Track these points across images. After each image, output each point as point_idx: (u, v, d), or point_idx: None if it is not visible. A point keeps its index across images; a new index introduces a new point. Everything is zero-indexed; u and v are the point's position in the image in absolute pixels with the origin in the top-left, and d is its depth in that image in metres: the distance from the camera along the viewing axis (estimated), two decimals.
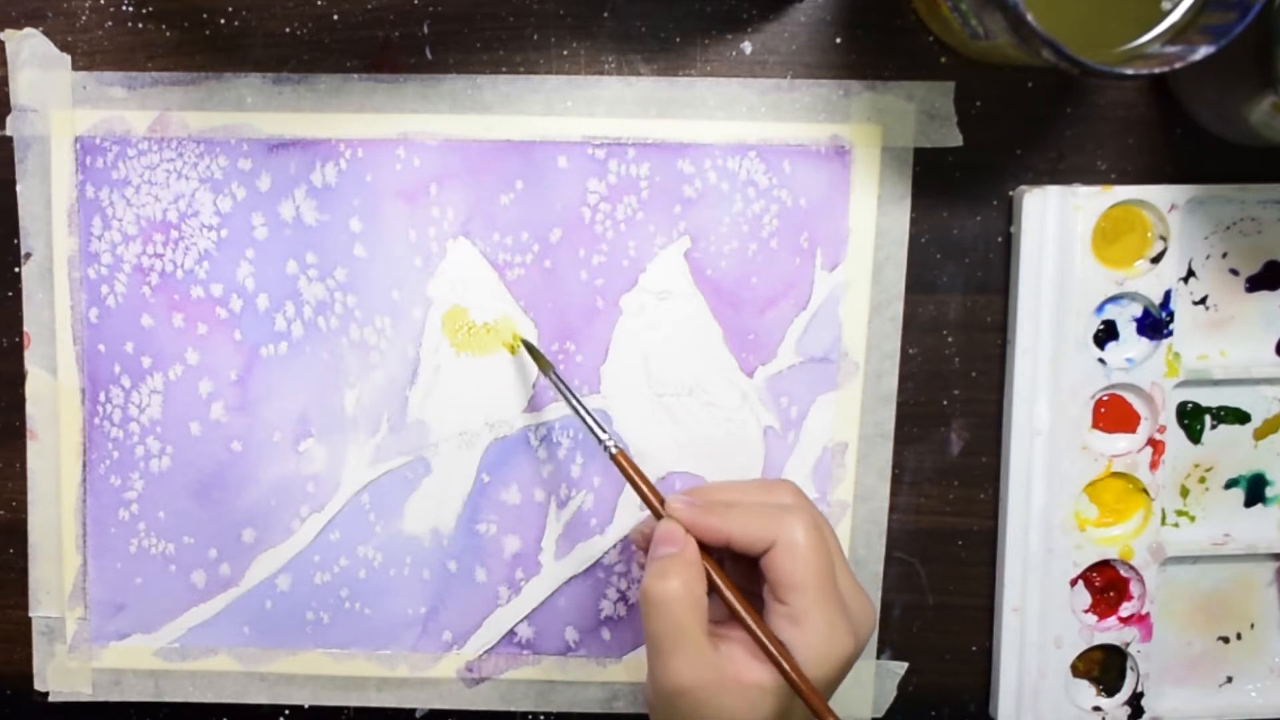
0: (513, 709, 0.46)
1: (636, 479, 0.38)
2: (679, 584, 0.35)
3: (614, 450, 0.38)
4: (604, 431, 0.39)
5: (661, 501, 0.38)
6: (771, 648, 0.34)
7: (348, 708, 0.46)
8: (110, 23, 0.43)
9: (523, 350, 0.44)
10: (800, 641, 0.34)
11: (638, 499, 0.44)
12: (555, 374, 0.41)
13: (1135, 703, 0.45)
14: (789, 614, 0.35)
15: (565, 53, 0.43)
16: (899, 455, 0.45)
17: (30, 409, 0.44)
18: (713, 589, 0.36)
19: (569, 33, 0.43)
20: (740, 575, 0.37)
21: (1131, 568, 0.44)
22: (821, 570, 0.35)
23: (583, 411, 0.39)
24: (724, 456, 0.44)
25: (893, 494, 0.45)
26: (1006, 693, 0.45)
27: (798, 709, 0.35)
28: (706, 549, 0.37)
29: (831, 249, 0.43)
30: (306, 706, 0.46)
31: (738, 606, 0.35)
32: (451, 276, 0.44)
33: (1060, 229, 0.43)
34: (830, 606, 0.35)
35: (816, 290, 0.44)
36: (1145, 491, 0.44)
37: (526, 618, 0.45)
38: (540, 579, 0.45)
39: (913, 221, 0.43)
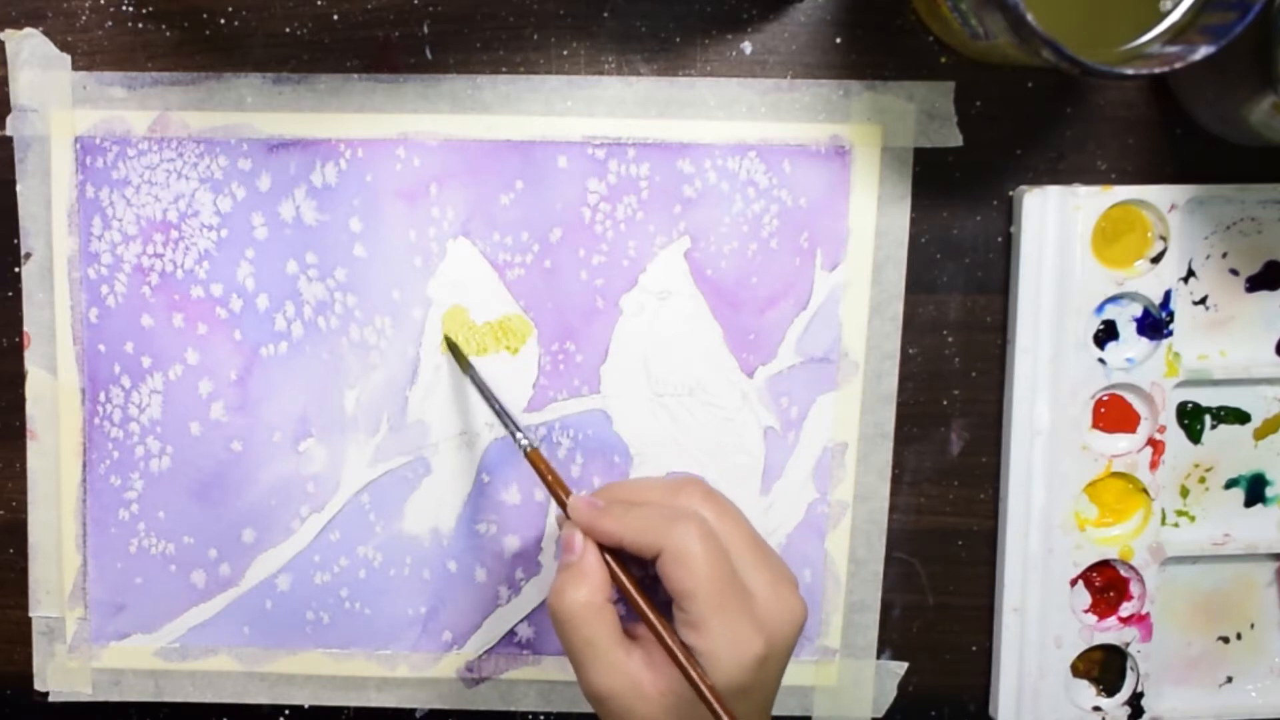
0: (513, 709, 0.46)
1: (548, 478, 0.38)
2: (582, 595, 0.35)
3: (528, 448, 0.39)
4: (518, 430, 0.40)
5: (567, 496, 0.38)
6: (679, 653, 0.34)
7: (348, 708, 0.46)
8: (110, 23, 0.43)
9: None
10: (703, 648, 0.34)
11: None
12: (474, 373, 0.42)
13: (1135, 703, 0.45)
14: (687, 620, 0.34)
15: (565, 53, 0.43)
16: (899, 455, 0.45)
17: (30, 409, 0.44)
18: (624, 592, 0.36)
19: (569, 33, 0.43)
20: None
21: (1131, 568, 0.44)
22: (715, 576, 0.34)
23: (500, 409, 0.40)
24: (724, 456, 0.44)
25: (893, 494, 0.45)
26: (1006, 693, 0.45)
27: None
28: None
29: (831, 249, 0.43)
30: (306, 706, 0.46)
31: (646, 610, 0.35)
32: (451, 276, 0.44)
33: (1060, 229, 0.43)
34: (729, 611, 0.34)
35: (816, 290, 0.44)
36: (1145, 491, 0.44)
37: (526, 618, 0.45)
38: (540, 579, 0.45)
39: (913, 221, 0.43)
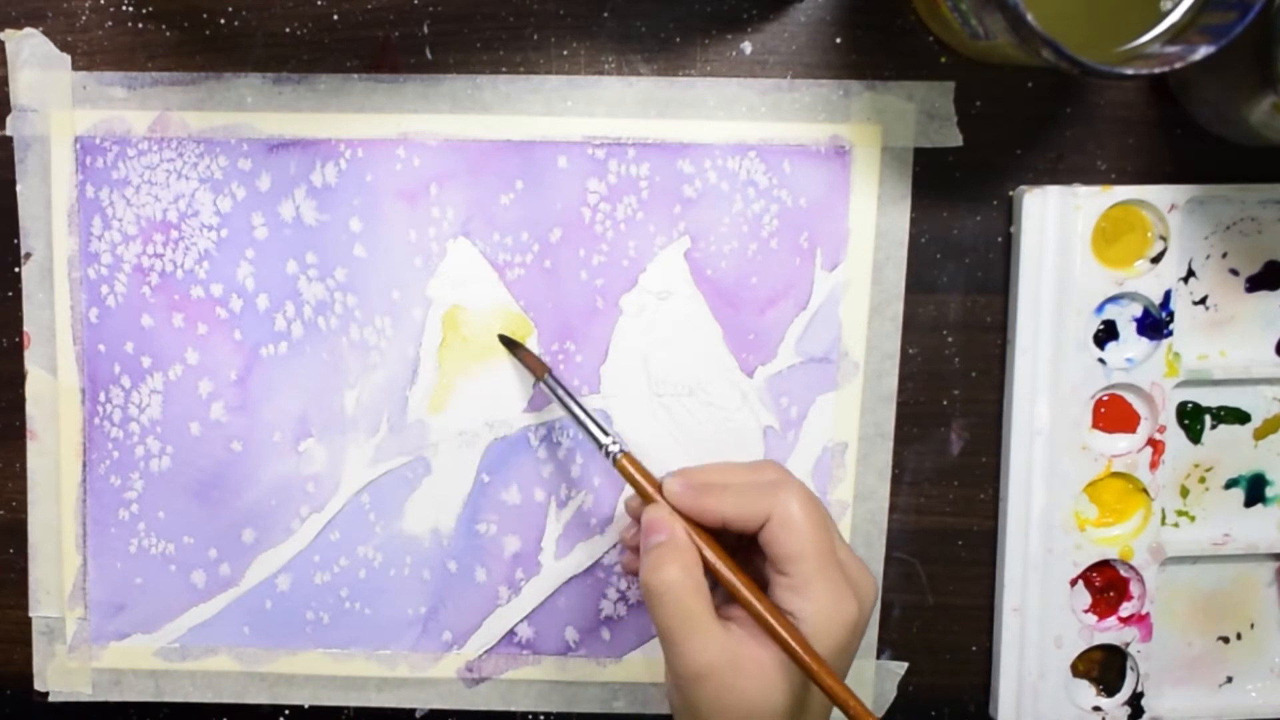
0: (513, 709, 0.46)
1: (638, 479, 0.38)
2: (677, 570, 0.35)
3: (618, 455, 0.38)
4: (606, 435, 0.39)
5: (658, 489, 0.38)
6: (773, 621, 0.34)
7: (348, 708, 0.46)
8: (110, 23, 0.43)
9: (522, 350, 0.44)
10: (806, 611, 0.35)
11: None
12: (553, 378, 0.41)
13: (1135, 703, 0.45)
14: (791, 585, 0.35)
15: (565, 53, 0.43)
16: (899, 455, 0.45)
17: (30, 409, 0.44)
18: (710, 571, 0.36)
19: (569, 33, 0.43)
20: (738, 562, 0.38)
21: (1131, 568, 0.44)
22: (819, 539, 0.35)
23: (583, 415, 0.39)
24: (724, 456, 0.44)
25: (893, 494, 0.45)
26: (1006, 693, 0.45)
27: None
28: (703, 531, 0.37)
29: (831, 249, 0.43)
30: (306, 706, 0.46)
31: (736, 583, 0.35)
32: (451, 276, 0.44)
33: (1060, 229, 0.43)
34: (832, 573, 0.35)
35: (816, 290, 0.44)
36: (1145, 491, 0.44)
37: (526, 618, 0.45)
38: (540, 579, 0.45)
39: (913, 221, 0.43)
